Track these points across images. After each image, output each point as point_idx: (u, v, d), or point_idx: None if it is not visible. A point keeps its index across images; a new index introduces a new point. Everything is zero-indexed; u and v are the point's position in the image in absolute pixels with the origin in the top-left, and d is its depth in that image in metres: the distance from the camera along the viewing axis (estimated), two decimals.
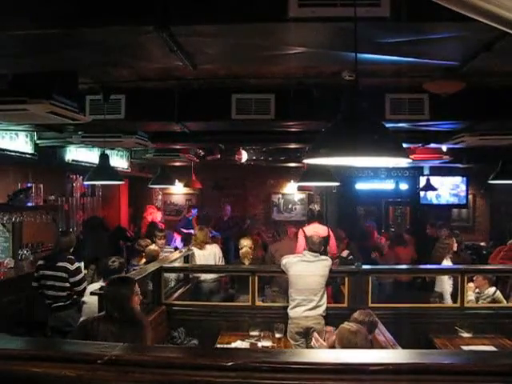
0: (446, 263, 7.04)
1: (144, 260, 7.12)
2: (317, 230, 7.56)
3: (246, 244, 7.47)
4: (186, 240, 9.18)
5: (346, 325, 3.94)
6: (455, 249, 7.41)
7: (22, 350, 1.99)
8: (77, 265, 6.13)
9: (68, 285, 5.99)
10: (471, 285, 6.59)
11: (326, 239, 7.59)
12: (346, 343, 3.70)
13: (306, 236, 7.42)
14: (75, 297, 5.96)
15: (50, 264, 6.11)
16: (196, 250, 7.74)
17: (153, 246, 7.27)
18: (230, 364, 1.80)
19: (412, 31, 2.77)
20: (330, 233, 7.91)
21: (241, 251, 7.38)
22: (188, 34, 2.83)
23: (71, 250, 6.28)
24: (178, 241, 9.96)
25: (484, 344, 5.35)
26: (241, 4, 2.59)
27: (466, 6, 1.63)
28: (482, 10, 1.62)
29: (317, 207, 8.44)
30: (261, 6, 2.57)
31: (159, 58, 3.33)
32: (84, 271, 6.46)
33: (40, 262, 6.24)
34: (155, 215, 11.06)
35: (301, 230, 7.88)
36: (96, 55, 3.40)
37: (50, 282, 6.02)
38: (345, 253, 8.08)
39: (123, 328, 3.70)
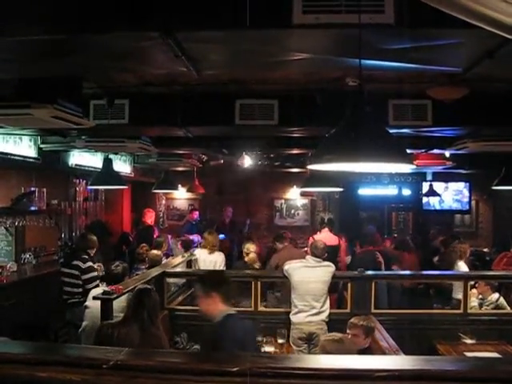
0: (462, 268, 7.06)
1: (147, 265, 7.13)
2: (326, 238, 7.54)
3: (252, 250, 7.44)
4: (186, 247, 9.15)
5: (329, 335, 3.97)
6: (468, 254, 7.42)
7: (27, 354, 2.00)
8: (88, 264, 6.37)
9: (81, 282, 6.26)
10: (474, 291, 6.58)
11: (335, 248, 7.58)
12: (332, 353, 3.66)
13: None
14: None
15: (66, 262, 6.63)
16: (202, 255, 7.71)
17: (155, 251, 7.27)
18: (234, 369, 1.80)
19: (416, 38, 2.78)
20: (341, 243, 7.88)
21: (248, 257, 7.34)
22: (193, 39, 2.84)
23: (89, 250, 6.58)
24: (179, 246, 9.94)
25: (488, 350, 5.33)
26: (245, 10, 2.60)
27: (467, 13, 1.64)
28: (484, 16, 1.63)
29: (328, 215, 8.42)
30: (265, 13, 2.59)
31: (163, 63, 3.33)
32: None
33: (61, 260, 6.87)
34: (153, 219, 11.10)
35: (311, 238, 7.87)
36: (101, 60, 3.42)
37: (66, 278, 6.36)
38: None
39: (150, 335, 3.80)
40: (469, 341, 5.59)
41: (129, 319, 3.94)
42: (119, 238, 9.91)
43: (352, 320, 4.53)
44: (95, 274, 6.36)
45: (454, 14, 1.70)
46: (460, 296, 6.41)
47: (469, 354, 5.19)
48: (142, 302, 4.00)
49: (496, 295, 6.47)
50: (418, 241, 10.23)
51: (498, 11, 1.58)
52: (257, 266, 7.22)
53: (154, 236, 9.73)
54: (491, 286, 6.51)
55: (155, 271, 5.99)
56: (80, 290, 6.22)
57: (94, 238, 6.77)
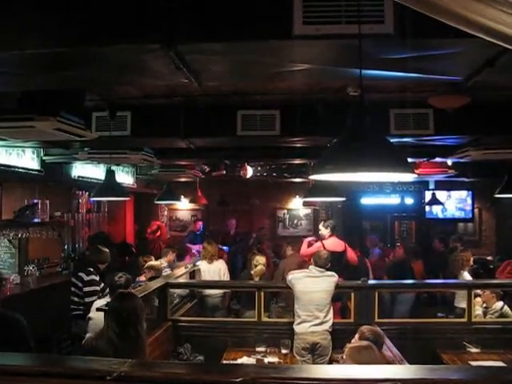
0: (466, 277, 7.05)
1: (149, 275, 7.14)
2: (335, 244, 7.55)
3: (261, 262, 7.39)
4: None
5: (354, 343, 3.84)
6: (472, 262, 7.41)
7: (32, 366, 2.00)
8: (92, 277, 6.37)
9: (82, 293, 6.29)
10: (478, 299, 6.56)
11: (342, 254, 7.57)
12: (363, 361, 3.56)
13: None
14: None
15: (74, 272, 6.68)
16: (202, 266, 7.72)
17: (155, 262, 7.27)
18: (238, 380, 1.79)
19: (416, 47, 2.79)
20: (347, 246, 7.88)
21: (255, 269, 7.29)
22: (194, 51, 2.86)
23: (99, 265, 6.59)
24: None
25: (492, 359, 5.30)
26: (246, 22, 2.62)
27: (468, 23, 1.65)
28: (484, 26, 1.64)
29: (334, 221, 8.44)
30: (266, 25, 2.60)
31: (165, 75, 3.35)
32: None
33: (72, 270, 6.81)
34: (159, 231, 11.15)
35: (320, 242, 7.85)
36: (103, 73, 3.44)
37: (73, 288, 6.41)
38: None
39: (125, 346, 3.56)
40: (473, 350, 5.56)
41: (103, 330, 3.81)
42: (121, 249, 9.90)
43: (363, 330, 4.32)
44: (96, 288, 6.34)
45: (454, 24, 1.71)
46: (462, 305, 6.41)
47: (473, 363, 5.17)
48: (112, 309, 3.84)
49: (500, 303, 6.45)
50: (419, 250, 10.17)
51: (499, 22, 1.59)
52: (257, 279, 7.19)
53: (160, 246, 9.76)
54: (496, 294, 6.49)
55: (158, 282, 5.98)
56: (86, 300, 6.21)
57: (108, 251, 6.77)
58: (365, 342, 3.76)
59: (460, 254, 7.44)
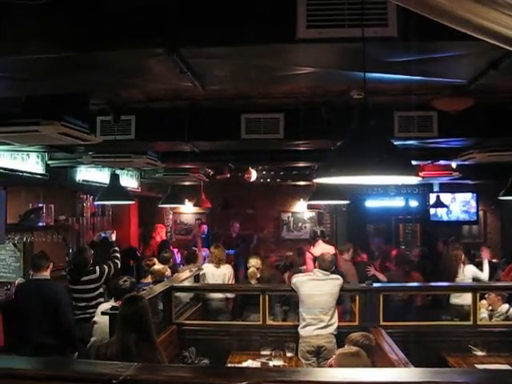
0: (469, 271, 7.10)
1: (152, 279, 7.16)
2: (323, 250, 7.50)
3: (253, 264, 7.45)
4: (188, 259, 9.06)
5: (344, 349, 3.81)
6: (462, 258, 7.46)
7: (38, 369, 2.00)
8: (98, 271, 6.51)
9: (96, 293, 6.40)
10: (484, 302, 6.54)
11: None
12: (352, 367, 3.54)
13: (313, 257, 7.41)
14: None
15: (75, 279, 6.57)
16: (208, 269, 7.71)
17: (159, 266, 7.28)
18: (244, 383, 1.80)
19: (420, 50, 2.79)
20: (337, 252, 7.86)
21: (248, 271, 7.37)
22: (198, 55, 2.87)
23: (89, 264, 6.65)
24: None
25: (499, 363, 5.27)
26: (250, 26, 2.63)
27: (470, 26, 1.65)
28: (487, 30, 1.64)
29: (319, 228, 8.39)
30: (269, 28, 2.61)
31: (169, 79, 3.36)
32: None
33: (68, 278, 6.81)
34: (162, 234, 11.13)
35: (307, 252, 7.86)
36: (107, 77, 3.45)
37: (77, 294, 6.43)
38: None
39: (142, 350, 3.55)
40: (479, 353, 5.53)
41: (115, 336, 3.78)
42: (125, 253, 9.89)
43: (350, 336, 4.17)
44: (107, 270, 6.58)
45: (457, 27, 1.71)
46: (457, 300, 6.46)
47: (479, 367, 5.15)
48: (122, 314, 3.78)
49: (506, 306, 6.43)
50: (425, 253, 10.14)
51: (502, 25, 1.59)
52: (253, 281, 7.22)
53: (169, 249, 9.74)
54: (501, 297, 6.47)
55: (163, 286, 5.98)
56: (93, 302, 6.26)
57: (87, 248, 6.89)
58: (354, 348, 3.72)
59: (453, 254, 7.51)
